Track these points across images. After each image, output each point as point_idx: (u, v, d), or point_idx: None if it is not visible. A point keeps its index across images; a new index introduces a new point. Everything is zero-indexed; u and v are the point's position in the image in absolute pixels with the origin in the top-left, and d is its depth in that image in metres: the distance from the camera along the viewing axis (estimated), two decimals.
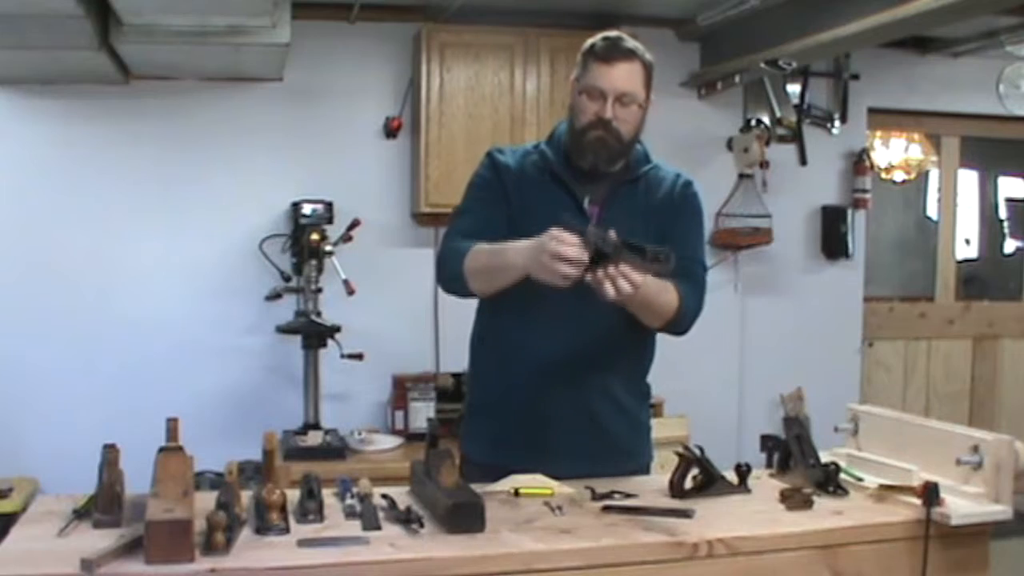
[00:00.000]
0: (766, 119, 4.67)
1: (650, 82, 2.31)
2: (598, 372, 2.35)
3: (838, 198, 4.87)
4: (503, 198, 2.34)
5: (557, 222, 2.04)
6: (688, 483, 2.15)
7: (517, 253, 2.13)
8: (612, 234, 1.99)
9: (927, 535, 1.97)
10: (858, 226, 4.87)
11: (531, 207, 2.31)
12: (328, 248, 3.95)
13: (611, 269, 1.98)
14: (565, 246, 1.98)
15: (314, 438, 3.92)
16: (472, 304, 2.50)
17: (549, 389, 2.33)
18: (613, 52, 2.26)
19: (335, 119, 4.28)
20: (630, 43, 2.29)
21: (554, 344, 2.32)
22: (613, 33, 2.32)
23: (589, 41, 2.32)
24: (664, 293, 2.21)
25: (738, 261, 4.71)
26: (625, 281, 1.98)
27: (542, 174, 2.36)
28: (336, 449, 3.86)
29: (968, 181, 5.51)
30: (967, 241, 5.55)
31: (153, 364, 4.09)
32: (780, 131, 4.71)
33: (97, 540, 1.72)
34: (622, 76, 2.25)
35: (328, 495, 2.02)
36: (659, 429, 2.60)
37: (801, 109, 4.73)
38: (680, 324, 2.31)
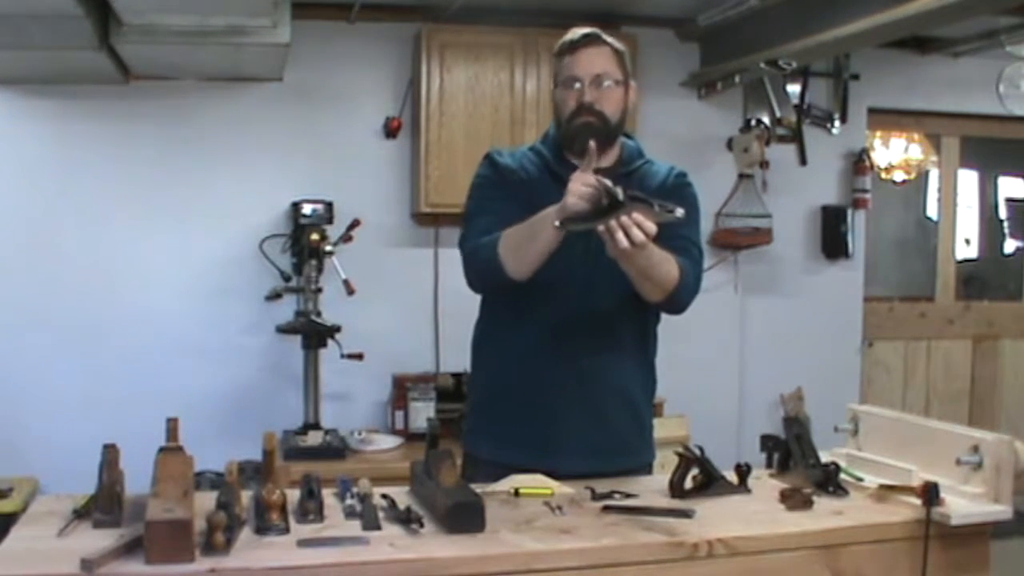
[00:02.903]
0: (766, 119, 4.66)
1: (624, 65, 2.35)
2: (603, 365, 2.35)
3: (838, 198, 4.87)
4: (508, 195, 2.35)
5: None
6: (688, 483, 2.15)
7: (547, 212, 2.13)
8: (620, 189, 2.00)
9: (927, 535, 1.97)
10: (858, 226, 4.88)
11: (531, 203, 2.32)
12: (328, 248, 3.95)
13: (623, 218, 1.96)
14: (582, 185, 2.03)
15: (314, 438, 3.92)
16: (473, 304, 2.50)
17: (554, 384, 2.33)
18: (577, 40, 2.32)
19: (335, 119, 4.28)
20: (594, 31, 2.33)
21: (558, 339, 2.32)
22: (578, 28, 2.36)
23: (557, 44, 2.37)
24: (666, 262, 2.19)
25: (738, 261, 4.71)
26: (638, 229, 1.96)
27: (540, 173, 2.38)
28: (336, 449, 3.86)
29: (968, 181, 5.51)
30: (967, 241, 5.56)
31: (153, 364, 4.09)
32: (780, 131, 4.71)
33: (97, 540, 1.71)
34: (591, 59, 2.30)
35: (328, 495, 2.02)
36: (659, 429, 2.60)
37: (801, 109, 4.73)
38: (679, 296, 2.27)
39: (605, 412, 2.37)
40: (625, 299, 2.28)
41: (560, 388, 2.33)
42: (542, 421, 2.34)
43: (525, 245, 2.19)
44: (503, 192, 2.36)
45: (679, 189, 2.41)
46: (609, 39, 2.33)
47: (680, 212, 2.00)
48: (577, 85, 2.29)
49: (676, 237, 2.27)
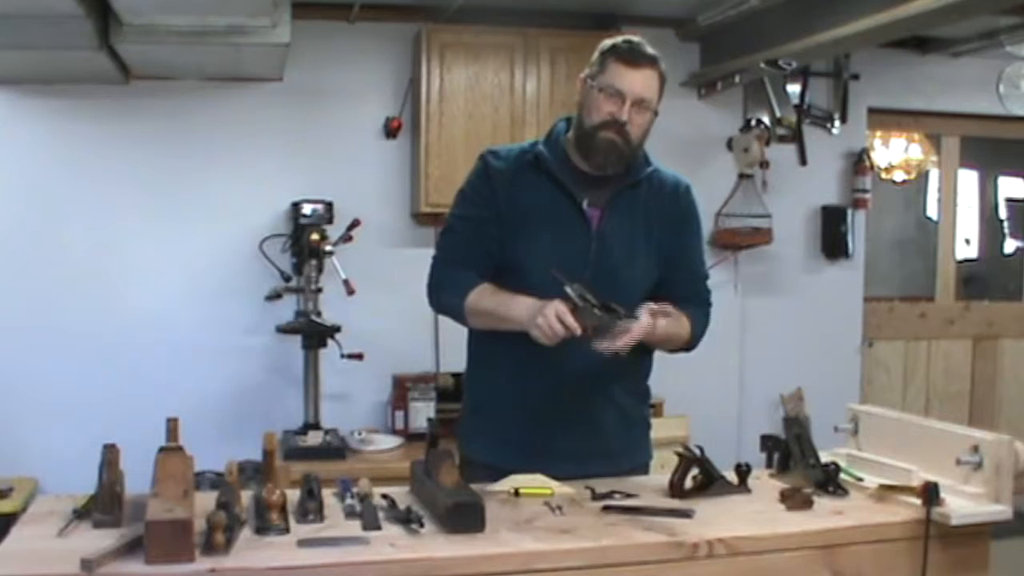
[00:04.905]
0: (766, 119, 4.67)
1: (662, 92, 2.32)
2: (598, 375, 2.34)
3: (838, 198, 4.87)
4: (493, 209, 2.32)
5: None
6: (688, 483, 2.16)
7: (520, 309, 2.18)
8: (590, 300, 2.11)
9: (927, 535, 1.97)
10: (858, 226, 4.88)
11: (527, 209, 2.31)
12: (328, 248, 3.95)
13: (607, 338, 2.10)
14: (559, 321, 2.08)
15: (314, 438, 3.92)
16: None
17: (549, 391, 2.32)
18: (638, 56, 2.26)
19: (335, 119, 4.28)
20: (652, 50, 2.29)
21: (554, 346, 2.31)
22: (635, 38, 2.31)
23: (609, 41, 2.31)
24: (679, 326, 2.30)
25: (738, 261, 4.71)
26: (623, 340, 2.10)
27: (539, 175, 2.34)
28: (336, 449, 3.86)
29: (968, 181, 5.52)
30: (967, 241, 5.56)
31: (153, 364, 4.09)
32: (780, 131, 4.71)
33: (97, 540, 1.72)
34: (643, 81, 2.25)
35: (328, 495, 2.03)
36: (659, 429, 2.60)
37: (801, 109, 4.73)
38: (691, 347, 2.42)
39: (598, 418, 2.37)
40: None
41: (553, 394, 2.32)
42: (536, 426, 2.33)
43: (493, 318, 2.27)
44: (485, 210, 2.33)
45: (690, 210, 2.45)
46: (660, 62, 2.29)
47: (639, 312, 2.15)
48: (620, 100, 2.24)
49: (685, 281, 2.39)
